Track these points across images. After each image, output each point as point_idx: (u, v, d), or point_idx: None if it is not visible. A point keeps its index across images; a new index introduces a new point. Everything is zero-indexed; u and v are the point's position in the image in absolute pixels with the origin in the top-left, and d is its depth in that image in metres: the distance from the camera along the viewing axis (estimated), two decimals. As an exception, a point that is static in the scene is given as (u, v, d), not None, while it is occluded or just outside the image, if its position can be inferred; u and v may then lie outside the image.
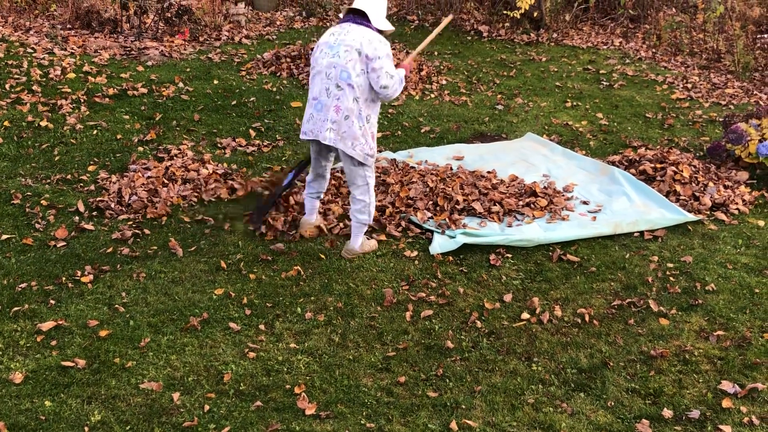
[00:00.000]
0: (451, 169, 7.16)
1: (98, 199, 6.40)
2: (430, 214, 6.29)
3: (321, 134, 5.43)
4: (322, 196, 6.08)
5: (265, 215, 6.20)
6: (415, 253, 5.86)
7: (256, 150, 7.56)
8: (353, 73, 5.31)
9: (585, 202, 6.72)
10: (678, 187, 6.90)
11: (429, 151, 7.66)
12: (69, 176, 6.83)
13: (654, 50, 11.69)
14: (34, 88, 8.53)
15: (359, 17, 5.50)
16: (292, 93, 9.06)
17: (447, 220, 6.19)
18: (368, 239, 5.92)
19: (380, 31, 5.53)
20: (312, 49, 9.74)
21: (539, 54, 11.27)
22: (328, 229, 6.13)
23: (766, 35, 11.84)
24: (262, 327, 4.94)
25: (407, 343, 4.85)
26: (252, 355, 4.66)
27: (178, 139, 7.68)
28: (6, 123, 7.68)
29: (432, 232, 6.10)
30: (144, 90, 8.75)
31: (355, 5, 5.52)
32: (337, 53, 5.35)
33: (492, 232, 6.08)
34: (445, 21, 6.90)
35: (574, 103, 9.35)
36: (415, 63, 5.39)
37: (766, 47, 11.38)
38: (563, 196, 6.74)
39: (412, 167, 7.13)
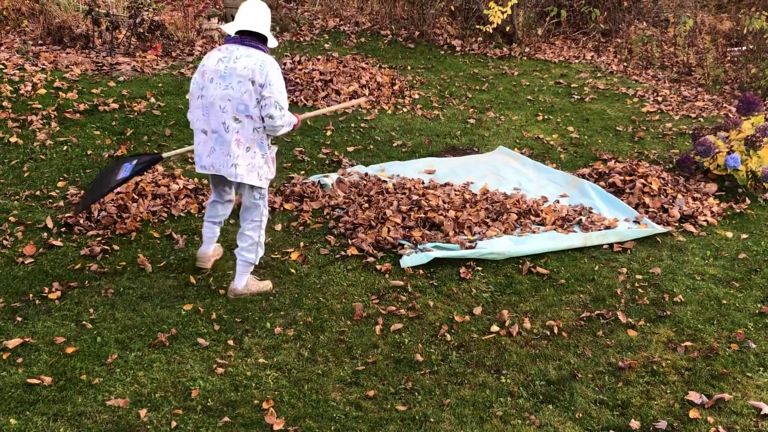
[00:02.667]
0: (423, 183, 7.18)
1: (67, 215, 6.36)
2: (402, 233, 6.30)
3: (225, 170, 5.13)
4: (223, 222, 5.79)
5: (92, 204, 6.15)
6: (386, 266, 5.86)
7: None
8: (250, 104, 5.04)
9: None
10: (647, 200, 6.95)
11: (401, 165, 7.68)
12: (38, 192, 6.79)
13: (625, 64, 11.79)
14: (4, 104, 8.47)
15: (248, 38, 5.14)
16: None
17: (419, 236, 6.20)
18: (260, 280, 5.59)
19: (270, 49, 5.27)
20: (283, 64, 9.76)
21: (511, 68, 11.34)
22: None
23: (735, 48, 11.97)
24: (230, 342, 4.92)
25: (377, 356, 4.85)
26: (220, 370, 4.64)
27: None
28: (-25, 139, 7.64)
29: (403, 246, 6.11)
30: (115, 105, 8.72)
31: (247, 27, 5.12)
32: (230, 85, 5.02)
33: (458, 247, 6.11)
34: (358, 101, 7.15)
35: (546, 117, 9.41)
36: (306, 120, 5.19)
37: (735, 60, 11.51)
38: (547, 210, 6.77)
39: (384, 181, 7.14)
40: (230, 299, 5.37)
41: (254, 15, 5.15)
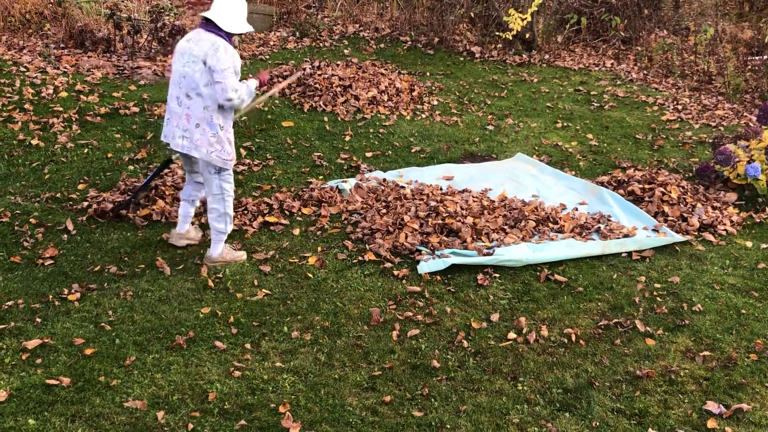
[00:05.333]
0: (441, 189, 7.18)
1: (87, 217, 6.41)
2: (420, 238, 6.30)
3: (173, 141, 5.61)
4: (197, 202, 6.09)
5: (120, 210, 6.44)
6: (403, 272, 5.87)
7: (247, 169, 7.57)
8: (201, 83, 5.42)
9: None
10: (666, 208, 6.92)
11: (419, 171, 7.69)
12: (59, 194, 6.84)
13: (645, 72, 11.75)
14: (26, 106, 8.55)
15: (210, 25, 5.52)
16: (283, 113, 9.09)
17: (438, 242, 6.21)
18: (235, 250, 5.95)
19: (230, 35, 5.54)
20: (302, 69, 9.81)
21: (531, 75, 11.32)
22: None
23: (756, 57, 11.92)
24: (248, 346, 4.94)
25: (393, 362, 4.85)
26: (237, 373, 4.66)
27: (168, 157, 7.68)
28: (-3, 141, 7.71)
29: (420, 251, 6.11)
30: (136, 109, 8.78)
31: (207, 14, 5.53)
32: (187, 63, 5.46)
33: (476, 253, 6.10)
34: (296, 74, 7.63)
35: (565, 124, 9.39)
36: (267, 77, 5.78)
37: (756, 69, 11.45)
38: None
39: (402, 187, 7.15)
40: (248, 302, 5.39)
41: (218, 5, 5.52)
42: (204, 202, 6.18)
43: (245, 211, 6.65)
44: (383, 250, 6.10)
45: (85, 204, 6.66)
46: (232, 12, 5.54)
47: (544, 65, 11.88)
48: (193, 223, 6.25)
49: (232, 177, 5.76)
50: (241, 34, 5.80)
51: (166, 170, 6.88)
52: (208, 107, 5.48)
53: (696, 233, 6.64)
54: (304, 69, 9.94)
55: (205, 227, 6.23)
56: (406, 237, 6.25)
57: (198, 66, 5.41)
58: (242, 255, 5.92)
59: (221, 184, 5.68)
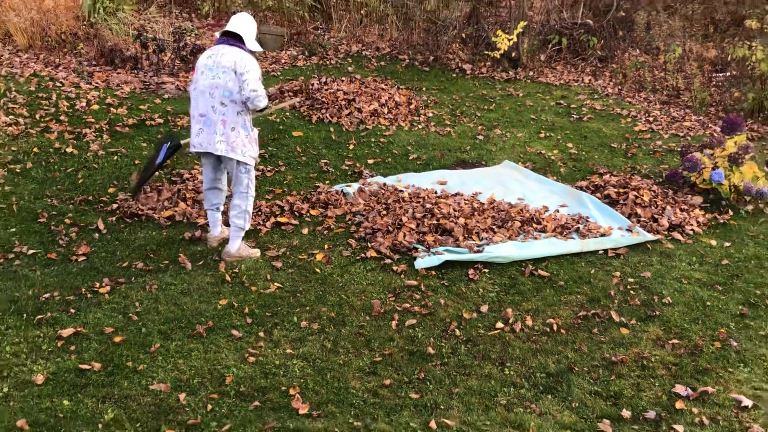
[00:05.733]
0: (436, 193, 7.17)
1: (116, 217, 6.40)
2: (416, 237, 6.29)
3: (212, 146, 5.57)
4: (221, 207, 6.08)
5: (140, 189, 6.60)
6: (402, 268, 5.86)
7: (260, 174, 7.56)
8: (234, 90, 5.50)
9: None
10: (639, 210, 6.92)
11: (416, 177, 7.68)
12: (90, 197, 6.83)
13: (620, 87, 11.74)
14: (62, 118, 8.54)
15: (233, 39, 5.64)
16: (293, 123, 9.07)
17: (432, 240, 6.20)
18: (250, 247, 5.97)
19: (252, 53, 5.72)
20: (311, 84, 9.80)
21: (516, 90, 11.31)
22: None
23: (720, 74, 11.91)
24: (261, 334, 4.93)
25: (392, 349, 4.84)
26: (252, 359, 4.65)
27: (190, 164, 7.69)
28: (35, 149, 7.69)
29: (417, 249, 6.10)
30: (161, 120, 8.77)
31: (229, 28, 5.65)
32: (217, 75, 5.50)
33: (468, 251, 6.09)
34: (295, 100, 7.67)
35: (547, 134, 9.38)
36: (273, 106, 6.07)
37: (720, 85, 11.45)
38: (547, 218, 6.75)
39: (401, 191, 7.14)
40: (261, 294, 5.38)
41: (237, 22, 5.70)
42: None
43: (259, 212, 6.64)
44: (383, 248, 6.09)
45: (115, 206, 6.66)
46: (251, 31, 5.73)
47: (529, 81, 11.87)
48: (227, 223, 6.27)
49: (254, 175, 5.82)
50: (254, 52, 5.83)
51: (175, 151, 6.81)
52: (241, 112, 5.58)
53: (666, 233, 6.64)
54: (312, 85, 9.92)
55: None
56: (404, 236, 6.25)
57: (230, 75, 5.48)
58: (256, 252, 5.93)
59: (248, 182, 5.74)
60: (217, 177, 5.93)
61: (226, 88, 5.49)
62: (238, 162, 5.66)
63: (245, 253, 5.86)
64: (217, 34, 5.77)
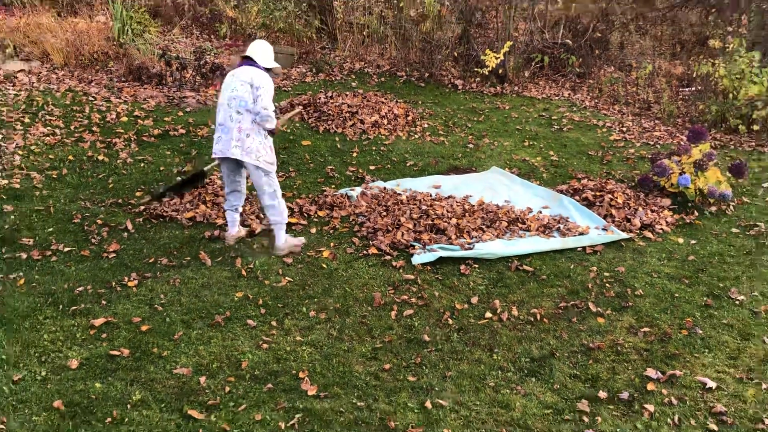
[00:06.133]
0: (431, 196, 7.16)
1: (143, 218, 6.40)
2: (413, 235, 6.29)
3: (228, 151, 5.62)
4: (240, 209, 6.10)
5: (163, 197, 6.65)
6: (400, 263, 5.86)
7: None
8: (249, 100, 5.57)
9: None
10: (613, 211, 6.91)
11: (413, 181, 7.67)
12: (120, 200, 6.83)
13: (596, 100, 11.73)
14: (94, 128, 8.54)
15: (250, 61, 5.75)
16: (303, 133, 9.07)
17: (428, 239, 6.20)
18: (293, 237, 6.00)
19: (269, 69, 5.81)
20: (318, 98, 9.80)
21: (503, 103, 11.30)
22: (256, 233, 6.23)
23: (686, 89, 11.91)
24: (274, 323, 4.93)
25: (392, 336, 4.84)
26: (265, 346, 4.65)
27: (209, 170, 7.67)
28: (70, 157, 7.69)
29: (414, 246, 6.10)
30: (183, 131, 8.76)
31: (248, 53, 5.79)
32: (235, 88, 5.60)
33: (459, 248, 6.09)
34: (298, 109, 7.56)
35: (531, 143, 9.38)
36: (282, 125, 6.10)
37: (686, 98, 11.44)
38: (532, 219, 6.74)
39: (399, 194, 7.14)
40: (273, 288, 5.38)
41: (253, 47, 5.84)
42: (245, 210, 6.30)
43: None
44: (384, 246, 6.09)
45: (142, 208, 6.65)
46: (264, 53, 5.83)
47: (514, 95, 11.86)
48: (243, 223, 6.34)
49: (276, 178, 5.82)
50: (271, 69, 5.86)
51: (201, 183, 6.95)
52: (255, 120, 5.62)
53: (638, 232, 6.63)
54: (319, 98, 9.92)
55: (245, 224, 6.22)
56: (403, 235, 6.24)
57: (246, 88, 5.57)
58: (302, 240, 6.01)
59: (271, 184, 5.74)
60: (236, 180, 5.94)
61: (242, 99, 5.57)
62: (256, 167, 5.66)
63: (291, 242, 5.91)
64: (234, 59, 5.89)
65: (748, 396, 4.36)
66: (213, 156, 5.81)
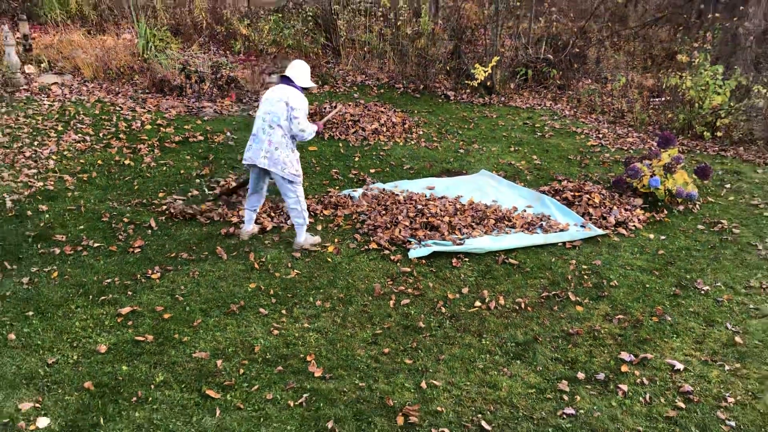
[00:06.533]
0: (425, 196, 7.15)
1: (165, 217, 6.39)
2: (410, 231, 6.28)
3: (257, 160, 5.61)
4: (258, 209, 6.11)
5: (227, 199, 6.63)
6: (398, 257, 5.85)
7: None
8: (282, 117, 5.54)
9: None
10: (591, 210, 6.90)
11: (409, 183, 7.65)
12: (144, 200, 6.82)
13: (575, 110, 11.71)
14: (121, 136, 8.52)
15: (287, 79, 5.71)
16: (309, 140, 9.04)
17: (423, 235, 6.19)
18: (312, 236, 6.00)
19: (305, 88, 5.79)
20: (324, 108, 9.78)
21: (491, 112, 11.28)
22: (265, 230, 6.25)
23: (656, 99, 11.89)
24: (283, 312, 4.92)
25: (390, 323, 4.84)
26: (276, 332, 4.65)
27: (225, 173, 7.67)
28: (99, 161, 7.68)
29: (410, 242, 6.09)
30: (201, 138, 8.75)
31: (285, 73, 5.73)
32: (272, 104, 5.58)
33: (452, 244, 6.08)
34: (338, 108, 7.51)
35: (516, 148, 9.36)
36: (323, 126, 6.03)
37: (656, 108, 11.43)
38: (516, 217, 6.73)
39: (397, 195, 7.12)
40: (283, 279, 5.37)
41: (290, 67, 5.79)
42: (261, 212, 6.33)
43: (281, 213, 6.62)
44: (383, 241, 6.08)
45: (164, 207, 6.64)
46: (302, 73, 5.77)
47: (501, 105, 11.84)
48: (256, 221, 6.33)
49: (302, 187, 5.81)
50: (307, 89, 5.86)
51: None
52: (285, 135, 5.59)
53: (612, 228, 6.63)
54: (325, 108, 9.90)
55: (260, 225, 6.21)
56: (400, 231, 6.23)
57: (281, 105, 5.54)
58: (318, 239, 6.00)
59: (295, 191, 5.73)
60: (259, 185, 5.94)
61: (276, 114, 5.55)
62: (282, 177, 5.65)
63: (310, 240, 5.93)
64: (275, 78, 5.77)
65: (712, 377, 4.36)
66: (243, 161, 5.80)
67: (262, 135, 5.61)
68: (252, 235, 6.06)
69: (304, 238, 5.92)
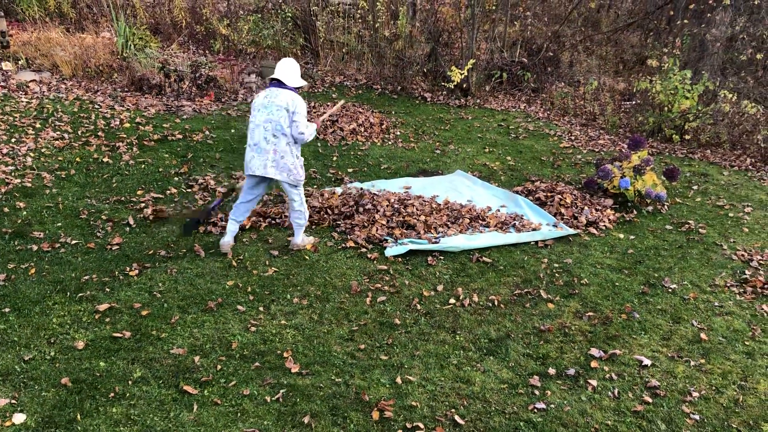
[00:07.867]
0: (402, 195, 7.16)
1: (144, 215, 6.33)
2: (387, 230, 6.29)
3: (265, 170, 5.44)
4: (243, 222, 5.91)
5: (194, 228, 6.12)
6: (374, 255, 5.86)
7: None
8: (284, 125, 5.38)
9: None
10: (563, 210, 6.97)
11: (386, 183, 7.67)
12: (123, 198, 6.75)
13: (548, 112, 11.82)
14: (99, 134, 8.43)
15: (282, 83, 5.52)
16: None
17: (399, 233, 6.20)
18: (307, 236, 6.02)
19: (298, 88, 5.59)
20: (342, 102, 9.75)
21: (467, 114, 11.35)
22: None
23: (627, 102, 12.04)
24: (261, 309, 4.91)
25: (367, 320, 4.84)
26: (253, 329, 4.63)
27: (204, 171, 7.63)
28: (78, 159, 7.59)
29: (387, 240, 6.11)
30: (180, 136, 8.69)
31: (277, 76, 5.52)
32: (271, 111, 5.38)
33: (427, 242, 6.10)
34: (340, 103, 7.19)
35: (491, 149, 9.42)
36: (321, 124, 5.75)
37: (627, 111, 11.56)
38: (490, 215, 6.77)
39: (374, 194, 7.13)
40: (261, 277, 5.35)
41: (283, 68, 5.56)
42: (243, 227, 6.21)
43: (258, 213, 6.59)
44: (360, 240, 6.08)
45: (142, 205, 6.59)
46: (292, 73, 5.56)
47: (476, 107, 11.91)
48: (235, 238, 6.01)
49: (303, 189, 5.76)
50: (300, 87, 5.75)
51: (229, 198, 6.68)
52: (290, 143, 5.45)
53: (583, 228, 6.70)
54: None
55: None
56: (377, 230, 6.25)
57: (282, 113, 5.36)
58: (312, 239, 5.99)
59: (300, 196, 5.69)
60: (253, 194, 5.74)
61: (278, 123, 5.36)
62: (288, 183, 5.59)
63: (306, 241, 5.92)
64: (268, 80, 5.60)
65: (678, 372, 4.43)
66: (247, 173, 5.56)
67: (266, 145, 5.41)
68: (232, 246, 5.85)
69: (301, 239, 5.90)
